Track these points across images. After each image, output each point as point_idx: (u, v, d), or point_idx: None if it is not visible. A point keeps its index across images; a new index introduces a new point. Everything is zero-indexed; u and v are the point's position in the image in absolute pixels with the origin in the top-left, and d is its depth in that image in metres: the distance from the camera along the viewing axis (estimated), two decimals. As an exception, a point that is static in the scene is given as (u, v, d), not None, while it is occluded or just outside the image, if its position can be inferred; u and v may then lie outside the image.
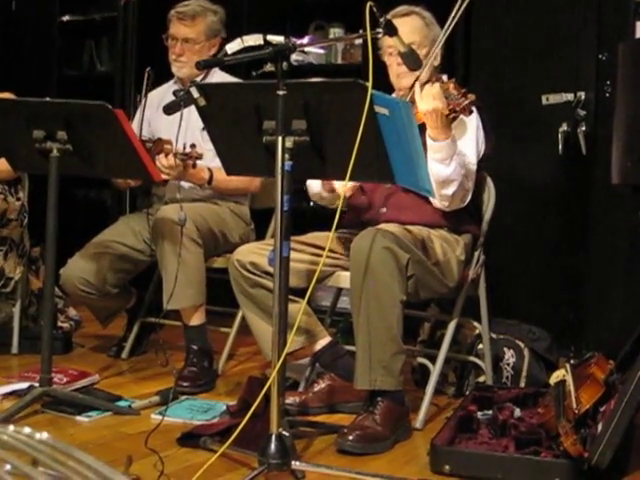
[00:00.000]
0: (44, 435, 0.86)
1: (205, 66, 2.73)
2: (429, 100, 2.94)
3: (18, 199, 3.98)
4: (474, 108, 3.16)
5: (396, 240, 2.92)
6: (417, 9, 3.31)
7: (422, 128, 3.01)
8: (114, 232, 3.81)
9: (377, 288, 2.87)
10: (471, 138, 3.20)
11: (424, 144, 3.00)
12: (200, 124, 3.44)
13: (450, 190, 3.07)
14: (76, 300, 3.80)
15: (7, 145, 3.25)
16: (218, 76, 3.81)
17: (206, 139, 3.61)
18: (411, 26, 3.24)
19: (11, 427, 0.94)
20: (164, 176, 3.42)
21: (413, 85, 3.15)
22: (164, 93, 3.87)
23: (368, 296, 2.87)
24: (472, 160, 3.17)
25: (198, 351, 3.60)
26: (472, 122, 3.20)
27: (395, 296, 2.89)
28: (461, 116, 3.06)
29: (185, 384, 3.45)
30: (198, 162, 3.49)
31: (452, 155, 3.01)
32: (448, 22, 3.16)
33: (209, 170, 3.60)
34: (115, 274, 3.73)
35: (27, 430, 0.90)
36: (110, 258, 3.70)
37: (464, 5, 3.12)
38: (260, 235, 3.85)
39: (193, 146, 3.44)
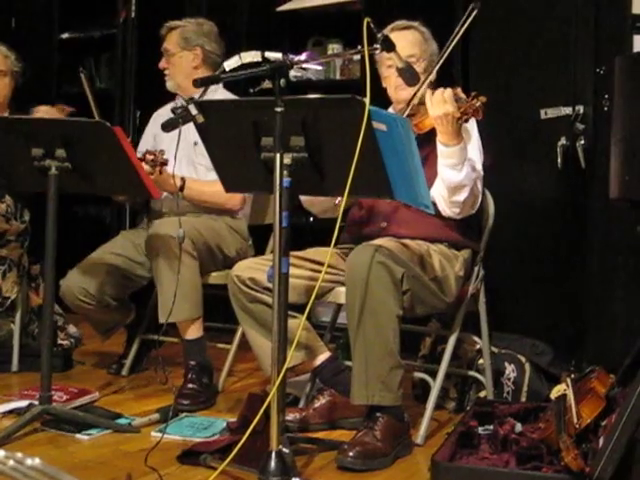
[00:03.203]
0: (35, 460, 0.85)
1: (202, 84, 2.73)
2: (440, 104, 2.94)
3: (23, 222, 3.98)
4: (474, 119, 3.17)
5: (391, 255, 2.92)
6: (415, 24, 3.33)
7: (424, 138, 3.02)
8: (114, 245, 3.84)
9: (373, 303, 2.86)
10: (476, 143, 3.21)
11: (427, 155, 3.02)
12: (192, 139, 3.48)
13: (462, 196, 3.07)
14: (75, 311, 3.79)
15: (6, 163, 3.25)
16: (220, 94, 3.83)
17: (198, 153, 3.66)
18: (411, 39, 3.27)
19: (1, 452, 0.93)
20: None
21: (412, 98, 3.15)
22: (169, 109, 3.91)
23: (364, 311, 2.87)
24: (479, 165, 3.18)
25: (197, 367, 3.59)
26: (474, 129, 3.22)
27: (391, 311, 2.89)
28: (465, 124, 3.07)
29: (185, 402, 3.43)
30: (177, 173, 3.49)
31: (463, 160, 3.02)
32: (452, 37, 3.17)
33: (182, 179, 3.59)
34: (115, 286, 3.74)
35: (18, 455, 0.90)
36: (110, 270, 3.72)
37: (468, 21, 3.13)
38: (259, 251, 3.85)
39: (161, 152, 3.44)
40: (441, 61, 3.19)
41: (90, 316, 3.80)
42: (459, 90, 3.05)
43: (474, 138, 3.22)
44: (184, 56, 3.86)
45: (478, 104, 2.99)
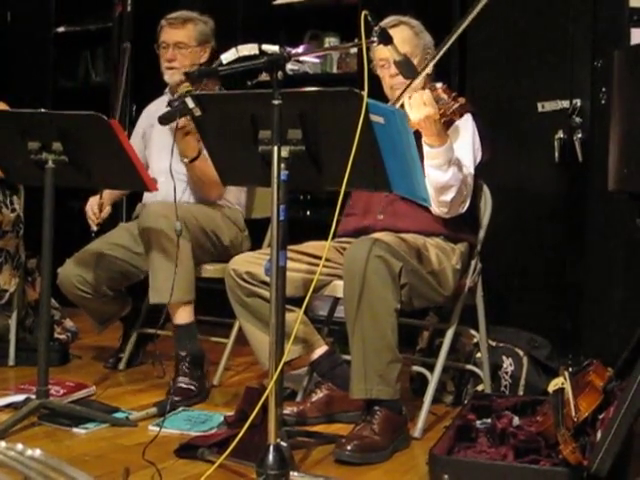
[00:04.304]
0: (36, 452, 0.85)
1: (199, 76, 2.73)
2: (420, 107, 2.92)
3: (13, 210, 3.97)
4: (469, 115, 3.15)
5: (389, 249, 2.92)
6: (405, 19, 3.31)
7: (418, 135, 3.01)
8: (113, 236, 3.84)
9: (371, 297, 2.86)
10: (467, 143, 3.20)
11: (420, 151, 3.00)
12: None
13: (449, 196, 3.07)
14: (72, 300, 3.78)
15: (2, 156, 3.24)
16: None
17: None
18: (400, 37, 3.21)
19: (2, 444, 0.93)
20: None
21: (404, 91, 3.12)
22: (159, 105, 3.88)
23: (362, 305, 2.87)
24: (469, 165, 3.17)
25: (187, 357, 3.54)
26: (467, 128, 3.20)
27: (389, 305, 2.89)
28: (456, 122, 3.05)
29: (177, 398, 3.39)
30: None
31: (449, 161, 3.01)
32: (462, 20, 3.11)
33: (199, 151, 3.56)
34: (112, 276, 3.74)
35: (19, 447, 0.89)
36: (108, 260, 3.72)
37: (480, 5, 3.08)
38: (257, 245, 3.84)
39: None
40: (442, 51, 3.15)
41: (87, 306, 3.80)
42: (440, 90, 3.01)
43: (466, 137, 3.20)
44: (197, 52, 3.77)
45: (456, 106, 2.97)
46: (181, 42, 3.77)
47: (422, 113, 2.92)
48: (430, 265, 3.10)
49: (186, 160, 3.57)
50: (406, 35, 3.27)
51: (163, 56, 3.80)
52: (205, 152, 3.54)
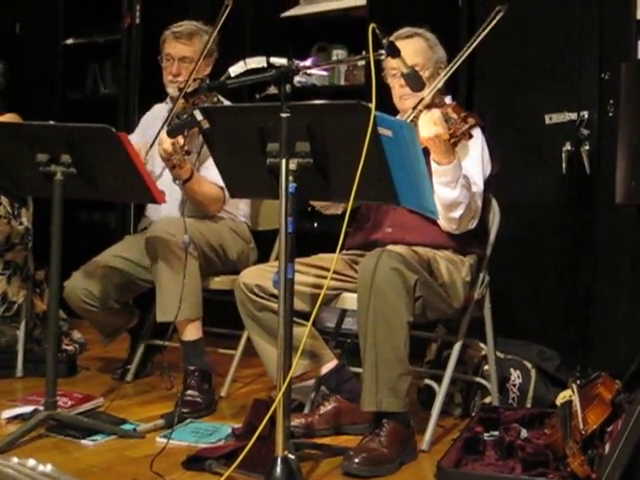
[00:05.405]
0: (48, 467, 0.85)
1: (209, 89, 2.73)
2: (430, 126, 2.93)
3: (21, 223, 3.98)
4: (478, 128, 3.16)
5: (404, 261, 2.92)
6: (420, 31, 3.31)
7: (426, 152, 3.01)
8: (119, 248, 3.83)
9: (385, 309, 2.86)
10: (476, 159, 3.19)
11: (429, 168, 3.01)
12: None
13: (457, 213, 3.07)
14: (79, 313, 3.78)
15: (11, 168, 3.25)
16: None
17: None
18: (414, 48, 3.23)
19: (15, 459, 0.93)
20: (167, 148, 3.40)
21: (416, 106, 3.14)
22: (158, 112, 3.89)
23: (375, 317, 2.87)
24: (478, 181, 3.17)
25: (196, 372, 3.55)
26: (477, 143, 3.19)
27: (402, 317, 2.88)
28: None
29: (185, 410, 3.39)
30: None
31: (457, 178, 3.01)
32: (473, 38, 3.13)
33: (192, 171, 3.55)
34: (118, 289, 3.73)
35: (31, 462, 0.90)
36: (114, 273, 3.71)
37: (492, 24, 3.09)
38: (265, 257, 3.84)
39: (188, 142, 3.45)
40: (454, 68, 3.15)
41: (93, 319, 3.79)
42: (450, 109, 3.02)
43: (475, 152, 3.20)
44: (202, 65, 3.68)
45: (466, 127, 2.98)
46: (187, 57, 3.74)
47: (431, 132, 2.93)
48: (441, 277, 3.10)
49: (178, 182, 3.55)
50: (419, 47, 3.28)
51: (167, 68, 3.78)
52: (197, 173, 3.58)
